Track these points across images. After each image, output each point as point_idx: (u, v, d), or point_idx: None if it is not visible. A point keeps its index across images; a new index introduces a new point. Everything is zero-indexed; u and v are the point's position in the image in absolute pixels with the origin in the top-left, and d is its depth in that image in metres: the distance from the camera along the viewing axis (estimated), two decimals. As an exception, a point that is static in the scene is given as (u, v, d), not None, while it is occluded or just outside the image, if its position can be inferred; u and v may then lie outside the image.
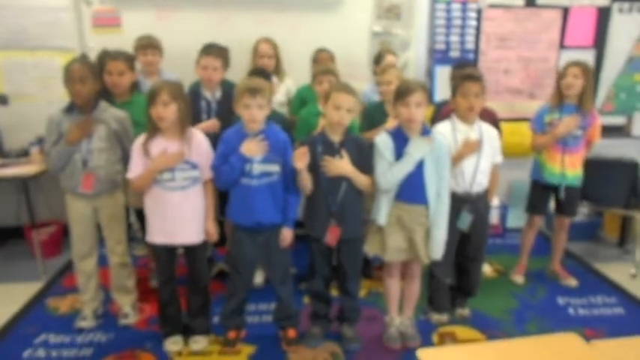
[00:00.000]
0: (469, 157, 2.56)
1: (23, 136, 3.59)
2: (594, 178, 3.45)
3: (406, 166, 2.31)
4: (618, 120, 4.16)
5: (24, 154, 3.49)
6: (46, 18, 3.60)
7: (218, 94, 2.98)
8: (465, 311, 2.89)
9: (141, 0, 3.63)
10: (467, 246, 2.74)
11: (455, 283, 2.88)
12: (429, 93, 2.41)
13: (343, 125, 2.32)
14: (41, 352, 2.54)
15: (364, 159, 2.38)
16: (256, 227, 2.38)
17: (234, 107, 2.36)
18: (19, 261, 3.58)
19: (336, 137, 2.36)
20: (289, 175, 2.36)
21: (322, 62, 3.40)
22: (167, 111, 2.23)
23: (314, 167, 2.34)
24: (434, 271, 2.78)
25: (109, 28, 3.64)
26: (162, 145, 2.30)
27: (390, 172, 2.32)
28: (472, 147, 2.55)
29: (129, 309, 2.81)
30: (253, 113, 2.26)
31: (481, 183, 2.63)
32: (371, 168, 2.38)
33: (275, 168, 2.35)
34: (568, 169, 3.07)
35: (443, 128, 2.60)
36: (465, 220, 2.64)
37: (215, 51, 2.93)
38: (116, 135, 2.57)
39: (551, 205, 3.28)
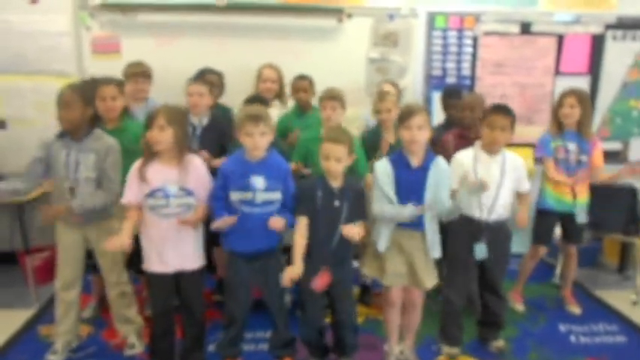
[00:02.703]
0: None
1: (19, 161, 3.55)
2: (593, 204, 3.42)
3: (399, 218, 2.32)
4: (615, 145, 4.17)
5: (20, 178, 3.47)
6: (45, 43, 3.63)
7: (205, 120, 2.97)
8: (499, 343, 2.80)
9: (140, 27, 3.67)
10: (485, 276, 2.70)
11: (481, 317, 2.83)
12: (429, 117, 2.41)
13: (335, 173, 2.32)
14: (31, 382, 2.48)
15: (361, 207, 2.39)
16: (254, 253, 2.35)
17: (235, 134, 2.35)
18: (12, 287, 3.51)
19: (335, 183, 2.36)
20: (288, 204, 2.37)
21: (301, 90, 3.35)
22: (163, 135, 2.22)
23: (313, 213, 2.33)
24: (445, 292, 2.73)
25: (109, 54, 3.67)
26: (159, 170, 2.28)
27: (386, 211, 2.32)
28: (480, 188, 2.51)
29: (134, 339, 2.73)
30: (256, 141, 2.25)
31: (500, 213, 2.60)
32: (365, 215, 2.40)
33: (277, 196, 2.34)
34: (578, 195, 3.07)
35: (465, 156, 2.59)
36: (480, 251, 2.59)
37: (201, 78, 2.97)
38: (102, 163, 2.52)
39: (556, 233, 3.27)
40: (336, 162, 2.28)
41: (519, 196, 2.70)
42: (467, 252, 2.60)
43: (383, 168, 2.35)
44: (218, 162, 2.69)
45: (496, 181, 2.54)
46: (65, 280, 2.60)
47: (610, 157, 4.07)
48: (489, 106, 2.68)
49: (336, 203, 2.33)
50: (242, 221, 2.31)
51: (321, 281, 2.33)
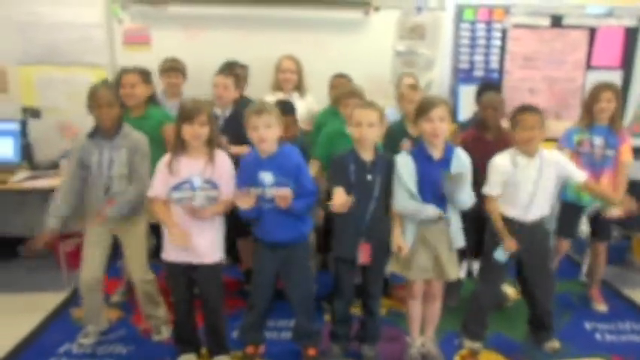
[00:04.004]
0: (526, 186, 2.50)
1: (53, 149, 3.69)
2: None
3: (419, 215, 2.33)
4: (646, 142, 4.07)
5: (54, 166, 3.58)
6: (78, 34, 3.73)
7: (228, 111, 3.03)
8: (554, 344, 2.73)
9: (170, 19, 3.74)
10: (526, 276, 2.68)
11: (530, 319, 2.80)
12: (451, 109, 2.39)
13: (368, 141, 2.32)
14: (64, 362, 2.58)
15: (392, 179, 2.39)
16: (276, 244, 2.40)
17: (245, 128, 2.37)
18: (45, 271, 3.64)
19: (367, 156, 2.36)
20: (304, 194, 2.33)
21: (339, 88, 3.37)
22: (203, 131, 2.27)
23: (346, 186, 2.34)
24: (477, 289, 2.73)
25: (139, 45, 3.75)
26: (186, 163, 2.32)
27: (408, 208, 2.34)
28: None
29: (161, 325, 2.81)
30: (261, 133, 2.26)
31: (537, 213, 2.56)
32: None
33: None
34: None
35: (503, 161, 2.53)
36: (499, 255, 2.57)
37: (227, 70, 3.02)
38: (132, 159, 2.57)
39: (583, 229, 3.22)
40: (368, 127, 2.28)
41: (587, 187, 2.65)
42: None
43: (404, 161, 2.36)
44: (236, 149, 2.74)
45: (533, 181, 2.50)
46: (86, 278, 2.62)
47: (640, 153, 4.00)
48: (516, 107, 2.60)
49: (369, 177, 2.34)
50: (258, 214, 2.35)
51: (365, 253, 2.38)
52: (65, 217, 2.60)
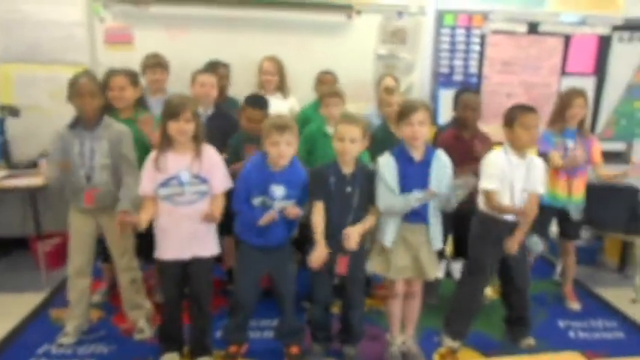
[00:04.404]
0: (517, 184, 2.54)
1: (32, 148, 3.64)
2: (595, 203, 3.48)
3: (408, 207, 2.35)
4: (618, 146, 4.22)
5: (32, 165, 3.53)
6: (60, 33, 3.69)
7: (210, 109, 3.05)
8: (530, 341, 2.78)
9: (152, 19, 3.73)
10: (509, 275, 2.72)
11: (508, 317, 2.86)
12: (432, 113, 2.46)
13: (349, 155, 2.35)
14: (44, 362, 2.56)
15: (371, 190, 2.43)
16: (268, 246, 2.44)
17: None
18: (23, 271, 3.59)
19: (347, 169, 2.40)
20: (302, 201, 2.43)
21: (326, 84, 3.46)
22: (189, 127, 2.29)
23: (326, 198, 2.39)
24: (461, 290, 2.78)
25: (121, 44, 3.73)
26: (173, 159, 2.34)
27: (395, 205, 2.36)
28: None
29: (143, 323, 2.80)
30: (282, 150, 2.30)
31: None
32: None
33: (292, 202, 2.40)
34: (574, 192, 3.12)
35: (498, 158, 2.56)
36: (536, 244, 2.65)
37: (211, 69, 3.09)
38: (116, 150, 2.58)
39: (553, 230, 3.32)
40: (350, 143, 2.31)
41: (531, 197, 2.59)
42: (486, 252, 2.63)
43: (386, 162, 2.40)
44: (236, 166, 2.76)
45: (522, 183, 2.55)
46: (77, 267, 2.67)
47: (614, 157, 4.14)
48: (513, 106, 2.62)
49: (348, 189, 2.39)
50: (256, 220, 2.38)
51: (342, 265, 2.42)
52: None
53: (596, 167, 3.16)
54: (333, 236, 2.40)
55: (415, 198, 2.32)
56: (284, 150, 2.31)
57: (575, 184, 3.12)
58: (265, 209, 2.36)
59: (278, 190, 2.36)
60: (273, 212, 2.35)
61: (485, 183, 2.55)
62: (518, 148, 2.55)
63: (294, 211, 2.35)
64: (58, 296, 3.22)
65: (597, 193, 3.51)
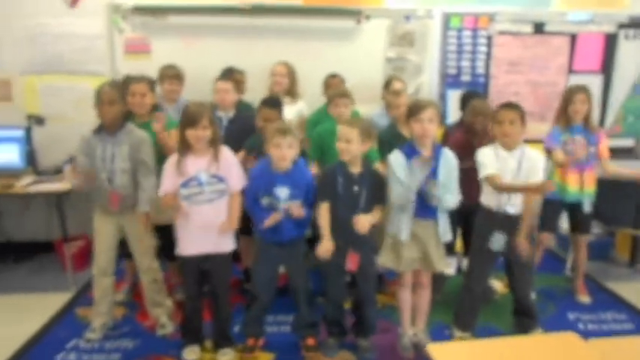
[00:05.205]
0: (505, 175, 2.62)
1: (57, 155, 3.81)
2: (605, 199, 3.53)
3: (413, 186, 2.44)
4: (627, 142, 4.26)
5: (57, 171, 3.70)
6: (81, 45, 3.87)
7: (230, 113, 3.20)
8: (538, 332, 2.86)
9: (169, 28, 3.89)
10: (510, 268, 2.80)
11: (515, 309, 2.93)
12: (440, 111, 2.56)
13: (346, 155, 2.47)
14: (72, 356, 2.71)
15: (379, 192, 2.54)
16: (282, 242, 2.58)
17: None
18: (50, 273, 3.77)
19: (355, 168, 2.52)
20: (310, 206, 2.56)
21: (334, 87, 3.57)
22: (206, 133, 2.44)
23: (334, 197, 2.51)
24: (466, 282, 2.87)
25: (139, 54, 3.89)
26: (192, 162, 2.48)
27: (402, 193, 2.45)
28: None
29: (165, 320, 2.95)
30: (284, 152, 2.46)
31: (518, 205, 2.67)
32: (383, 200, 2.56)
33: (297, 204, 2.53)
34: (586, 185, 3.18)
35: (487, 151, 2.67)
36: (496, 242, 2.70)
37: (227, 76, 3.24)
38: (135, 155, 2.73)
39: (564, 226, 3.38)
40: (346, 143, 2.44)
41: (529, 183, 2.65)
42: (487, 243, 2.71)
43: (396, 157, 2.51)
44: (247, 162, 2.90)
45: (513, 174, 2.64)
46: (101, 267, 2.81)
47: (622, 153, 4.19)
48: (497, 105, 2.77)
49: (356, 189, 2.50)
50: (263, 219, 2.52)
51: (353, 262, 2.54)
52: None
53: (603, 162, 3.22)
54: (341, 234, 2.52)
55: (415, 167, 2.41)
56: (286, 152, 2.45)
57: (586, 178, 3.18)
58: (272, 210, 2.50)
59: (282, 192, 2.50)
60: (277, 214, 2.49)
61: (484, 171, 2.64)
62: (500, 142, 2.67)
63: (297, 210, 2.48)
64: (83, 296, 3.37)
65: (607, 188, 3.53)
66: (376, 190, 2.54)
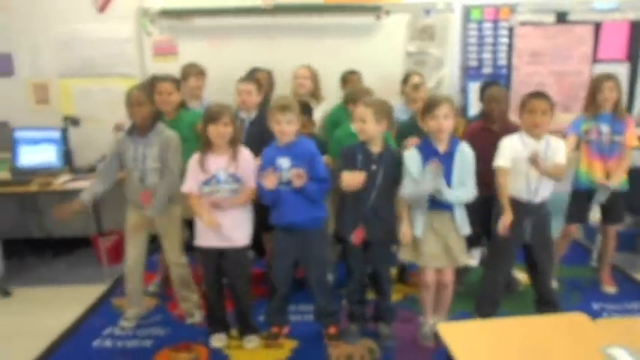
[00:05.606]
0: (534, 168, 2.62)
1: (91, 154, 4.00)
2: (635, 189, 3.48)
3: (425, 186, 2.48)
4: (656, 131, 4.17)
5: (92, 170, 3.86)
6: (112, 49, 4.06)
7: (253, 114, 3.25)
8: None
9: (195, 30, 4.03)
10: (533, 258, 2.81)
11: (537, 298, 2.93)
12: (455, 106, 2.59)
13: (362, 134, 2.56)
14: (108, 343, 2.87)
15: (398, 171, 2.59)
16: (291, 227, 2.64)
17: (268, 124, 2.65)
18: (87, 266, 3.96)
19: (375, 148, 2.59)
20: (318, 181, 2.60)
21: (351, 83, 3.63)
22: (227, 130, 2.55)
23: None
24: (488, 273, 2.90)
25: (167, 56, 4.05)
26: (213, 160, 2.60)
27: (412, 190, 2.52)
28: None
29: (194, 310, 3.08)
30: (283, 127, 2.56)
31: (543, 195, 2.70)
32: (399, 181, 2.60)
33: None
34: (611, 175, 3.14)
35: (513, 140, 2.69)
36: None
37: (250, 77, 3.32)
38: (164, 154, 2.85)
39: (595, 216, 3.35)
40: (360, 122, 2.53)
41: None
42: (511, 234, 2.69)
43: (411, 154, 2.57)
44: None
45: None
46: (131, 260, 2.95)
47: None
48: (527, 93, 2.74)
49: (374, 167, 2.58)
50: (274, 197, 2.60)
51: (357, 236, 2.62)
52: (96, 195, 2.94)
53: (626, 151, 3.16)
54: (356, 210, 2.59)
55: (428, 171, 2.45)
56: (285, 128, 2.55)
57: (612, 167, 3.14)
58: (280, 182, 2.56)
59: (284, 162, 2.58)
60: (273, 171, 2.54)
61: (496, 161, 2.67)
62: (529, 131, 2.66)
63: (299, 176, 2.53)
64: (118, 287, 3.54)
65: (637, 178, 3.45)
66: (393, 170, 2.59)
